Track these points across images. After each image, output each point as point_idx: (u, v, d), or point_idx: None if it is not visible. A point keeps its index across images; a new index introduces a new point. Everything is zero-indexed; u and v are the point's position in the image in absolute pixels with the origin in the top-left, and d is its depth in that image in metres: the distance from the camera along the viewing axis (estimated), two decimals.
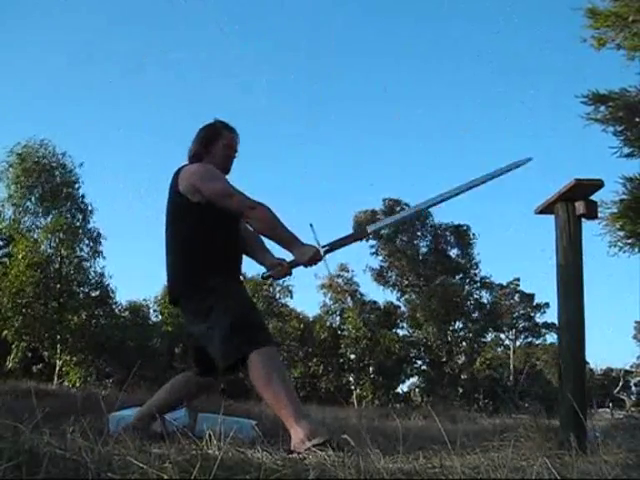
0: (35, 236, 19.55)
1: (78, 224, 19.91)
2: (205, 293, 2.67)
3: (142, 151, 50.47)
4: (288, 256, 2.90)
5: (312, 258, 2.76)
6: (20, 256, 18.35)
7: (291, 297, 30.78)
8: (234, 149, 2.99)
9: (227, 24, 47.74)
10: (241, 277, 3.03)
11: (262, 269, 3.09)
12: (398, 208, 28.37)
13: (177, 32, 49.92)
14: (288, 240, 2.75)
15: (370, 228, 3.00)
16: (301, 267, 2.84)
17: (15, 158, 18.99)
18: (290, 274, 2.92)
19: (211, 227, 2.76)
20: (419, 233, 29.17)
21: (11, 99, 43.21)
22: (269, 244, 3.05)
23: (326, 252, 2.80)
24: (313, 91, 47.82)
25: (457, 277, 29.39)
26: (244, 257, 3.04)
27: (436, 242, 29.11)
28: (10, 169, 18.92)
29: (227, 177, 2.90)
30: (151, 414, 2.96)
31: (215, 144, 2.92)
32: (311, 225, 2.76)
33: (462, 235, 29.27)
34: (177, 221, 2.83)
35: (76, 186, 20.14)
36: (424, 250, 29.11)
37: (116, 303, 27.60)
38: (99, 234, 20.55)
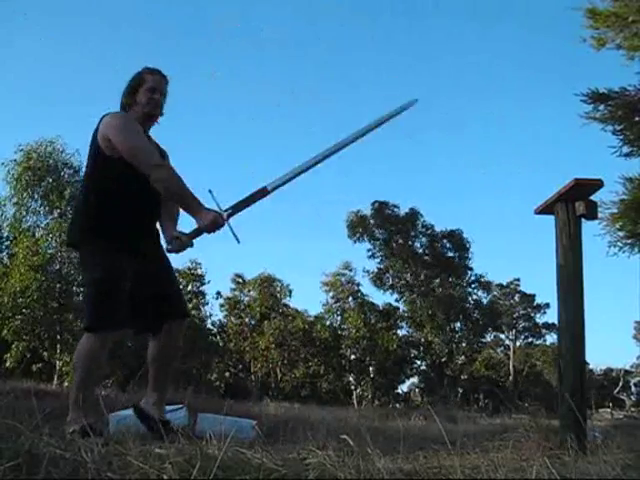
0: (37, 235, 19.52)
1: None
2: (90, 251, 2.74)
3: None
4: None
5: (214, 222, 2.68)
6: (21, 255, 18.36)
7: (290, 296, 30.85)
8: (159, 91, 2.90)
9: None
10: (151, 243, 2.92)
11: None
12: (388, 211, 28.53)
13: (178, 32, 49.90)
14: (192, 204, 2.69)
15: (270, 185, 2.92)
16: (204, 235, 2.75)
17: (21, 156, 18.99)
18: (191, 245, 2.80)
19: (122, 184, 2.73)
20: (413, 233, 29.17)
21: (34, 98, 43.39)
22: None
23: (229, 216, 2.74)
24: (304, 87, 47.82)
25: (454, 278, 29.40)
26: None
27: (432, 245, 29.16)
28: (16, 167, 18.90)
29: (161, 119, 2.90)
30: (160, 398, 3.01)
31: (139, 90, 2.87)
32: (210, 191, 2.71)
33: (457, 240, 29.31)
34: (92, 170, 2.83)
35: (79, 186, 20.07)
36: (420, 251, 29.15)
37: None
38: None
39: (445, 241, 29.40)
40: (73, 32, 47.73)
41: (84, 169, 2.93)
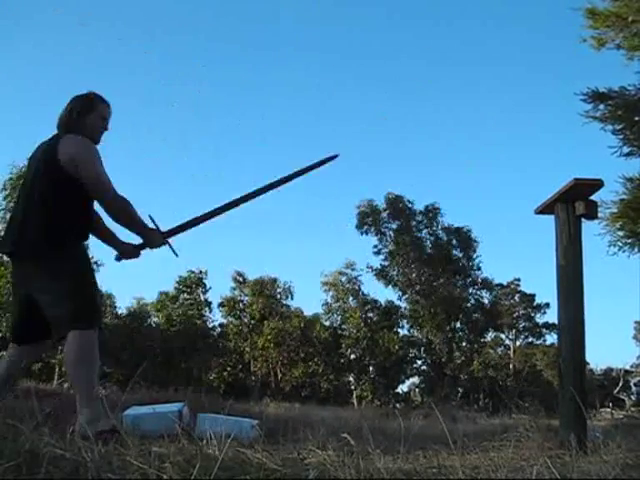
0: None
1: None
2: (61, 259, 2.83)
3: (141, 150, 50.51)
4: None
5: (157, 241, 3.10)
6: None
7: (292, 298, 30.89)
8: (107, 121, 3.06)
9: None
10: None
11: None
12: (400, 205, 28.40)
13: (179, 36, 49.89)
14: (140, 228, 3.02)
15: (201, 217, 3.30)
16: (147, 249, 3.17)
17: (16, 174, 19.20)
18: (138, 255, 3.22)
19: (79, 200, 2.91)
20: (421, 234, 29.09)
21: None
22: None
23: (166, 236, 3.15)
24: (317, 84, 47.83)
25: (459, 278, 29.34)
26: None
27: (438, 243, 29.03)
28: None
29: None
30: None
31: (88, 115, 2.95)
32: (150, 216, 3.08)
33: (464, 237, 29.18)
34: (49, 186, 2.86)
35: None
36: (427, 250, 29.01)
37: (115, 304, 27.65)
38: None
39: (452, 238, 29.23)
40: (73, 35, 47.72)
41: (30, 184, 2.97)
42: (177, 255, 3.20)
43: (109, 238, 3.24)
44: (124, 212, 2.94)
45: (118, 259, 3.26)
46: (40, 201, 2.90)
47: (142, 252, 3.22)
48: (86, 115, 2.95)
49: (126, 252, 3.21)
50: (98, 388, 2.82)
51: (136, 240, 3.16)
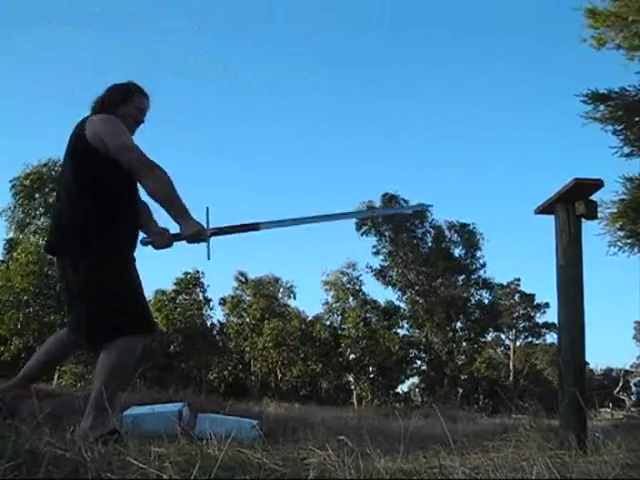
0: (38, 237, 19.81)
1: None
2: (99, 258, 2.60)
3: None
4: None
5: (197, 234, 2.68)
6: (23, 255, 18.56)
7: (294, 298, 30.90)
8: (143, 113, 2.88)
9: None
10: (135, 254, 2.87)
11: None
12: (396, 205, 28.36)
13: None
14: (180, 210, 2.63)
15: (263, 225, 2.94)
16: (183, 242, 2.76)
17: (26, 174, 19.40)
18: (170, 245, 2.81)
19: (118, 185, 2.67)
20: (420, 231, 29.06)
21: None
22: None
23: (212, 234, 2.77)
24: (316, 86, 47.82)
25: (460, 277, 29.29)
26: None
27: (439, 241, 28.96)
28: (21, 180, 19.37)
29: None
30: (27, 377, 2.84)
31: (125, 105, 2.80)
32: (207, 209, 2.74)
33: (468, 234, 29.08)
34: (85, 170, 2.67)
35: None
36: (426, 250, 28.97)
37: None
38: None
39: (454, 235, 29.17)
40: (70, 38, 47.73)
41: (68, 174, 2.73)
42: (209, 258, 2.78)
43: (144, 217, 2.88)
44: (162, 184, 2.60)
45: (145, 244, 2.84)
46: (74, 195, 2.68)
47: (176, 244, 2.80)
48: (122, 104, 2.79)
49: (158, 238, 2.80)
50: (118, 399, 2.75)
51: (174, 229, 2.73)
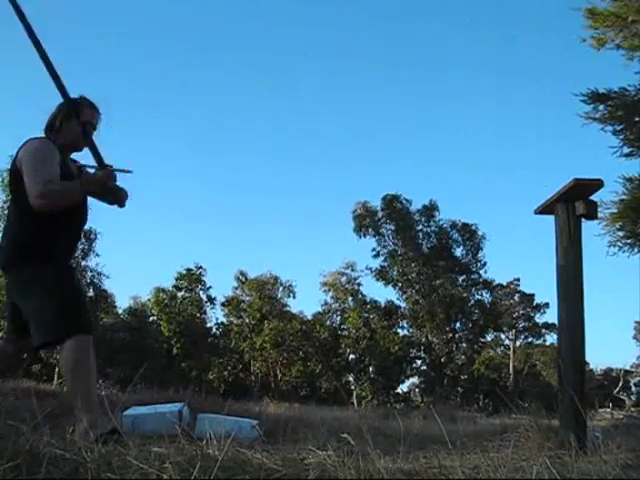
0: None
1: None
2: (37, 267, 2.79)
3: (137, 149, 50.48)
4: None
5: (108, 176, 2.87)
6: None
7: (293, 297, 30.89)
8: (93, 126, 3.00)
9: None
10: (72, 260, 3.14)
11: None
12: (398, 204, 28.35)
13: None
14: (84, 190, 2.85)
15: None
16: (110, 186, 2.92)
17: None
18: (115, 179, 2.93)
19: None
20: (421, 232, 29.00)
21: None
22: None
23: (106, 166, 2.90)
24: (313, 86, 47.82)
25: (460, 277, 29.24)
26: None
27: (440, 240, 28.85)
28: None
29: (85, 149, 2.96)
30: None
31: (72, 120, 2.91)
32: (80, 165, 2.96)
33: (470, 234, 29.00)
34: (17, 193, 2.87)
35: None
36: (426, 250, 28.89)
37: (114, 303, 27.57)
38: (95, 233, 20.86)
39: (455, 235, 29.10)
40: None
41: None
42: (131, 171, 2.97)
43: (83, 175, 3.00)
44: (60, 200, 2.76)
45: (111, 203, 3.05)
46: (13, 209, 2.94)
47: (114, 180, 2.91)
48: (70, 119, 2.91)
49: (102, 183, 2.89)
50: (97, 392, 2.82)
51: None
